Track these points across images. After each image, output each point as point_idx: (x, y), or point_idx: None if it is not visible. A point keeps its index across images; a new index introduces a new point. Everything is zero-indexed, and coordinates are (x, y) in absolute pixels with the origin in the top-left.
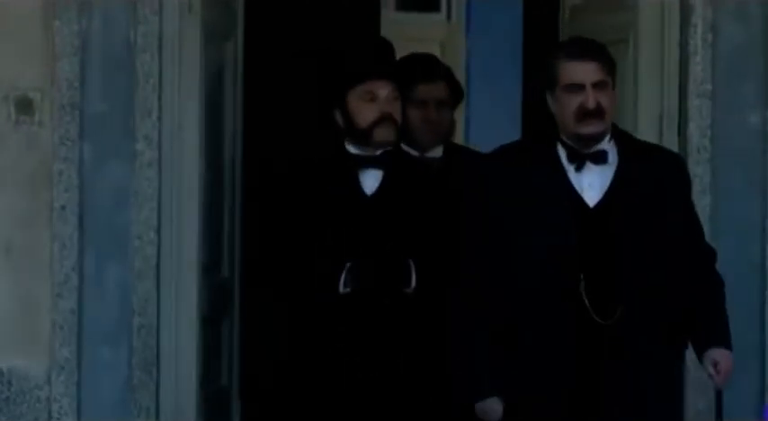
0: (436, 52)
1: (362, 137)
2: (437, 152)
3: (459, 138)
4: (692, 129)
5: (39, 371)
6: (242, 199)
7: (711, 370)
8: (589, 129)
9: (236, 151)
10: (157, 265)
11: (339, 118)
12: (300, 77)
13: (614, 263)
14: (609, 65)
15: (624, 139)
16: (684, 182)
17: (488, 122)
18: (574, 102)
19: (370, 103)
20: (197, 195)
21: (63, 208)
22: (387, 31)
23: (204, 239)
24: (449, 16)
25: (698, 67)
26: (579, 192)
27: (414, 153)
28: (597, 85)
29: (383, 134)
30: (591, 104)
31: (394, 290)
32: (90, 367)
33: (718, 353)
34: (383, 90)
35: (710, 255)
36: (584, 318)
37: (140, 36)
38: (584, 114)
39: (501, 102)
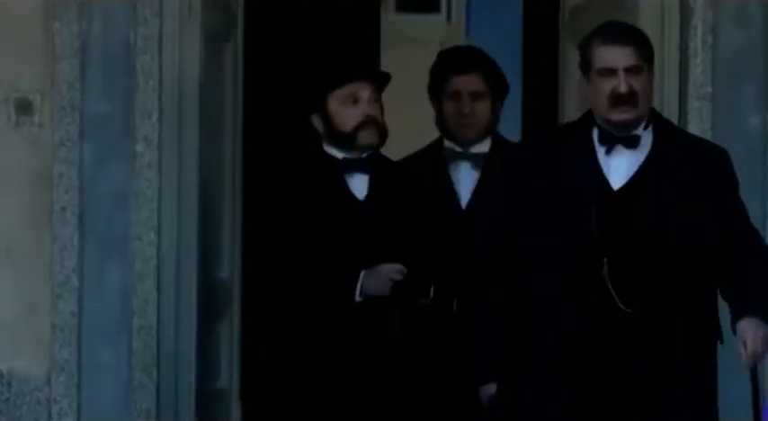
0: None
1: (345, 141)
2: (482, 147)
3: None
4: (692, 130)
5: (39, 372)
6: (242, 200)
7: (741, 349)
8: (621, 115)
9: (236, 152)
10: (157, 267)
11: (318, 122)
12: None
13: (635, 248)
14: (645, 51)
15: (664, 128)
16: (725, 177)
17: None
18: (606, 86)
19: (353, 105)
20: (197, 196)
21: (63, 209)
22: (387, 32)
23: (204, 240)
24: (449, 17)
25: (698, 69)
26: (605, 174)
27: (457, 149)
28: (630, 70)
29: (367, 137)
30: (623, 89)
31: (410, 299)
32: (90, 368)
33: (747, 329)
34: (365, 92)
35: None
36: (606, 305)
37: (140, 37)
38: (617, 99)
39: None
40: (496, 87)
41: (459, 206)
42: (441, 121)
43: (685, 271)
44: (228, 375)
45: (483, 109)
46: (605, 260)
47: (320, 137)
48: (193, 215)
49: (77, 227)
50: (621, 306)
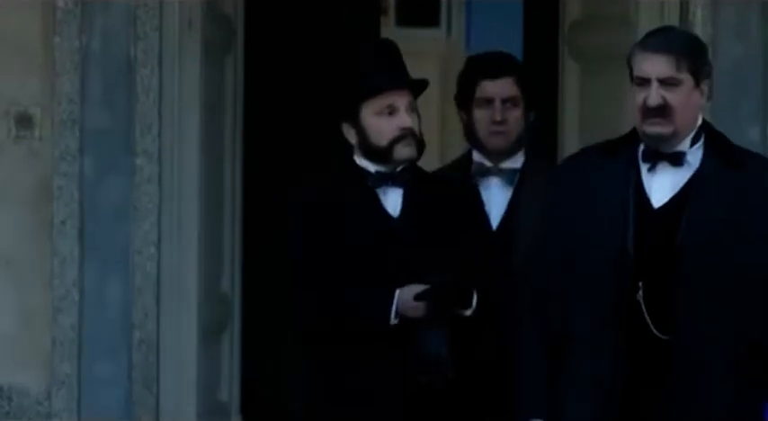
0: (436, 67)
1: (380, 155)
2: (514, 162)
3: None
4: None
5: (39, 386)
6: (242, 213)
7: None
8: (653, 128)
9: (236, 166)
10: (157, 280)
11: (350, 133)
12: (300, 92)
13: (674, 271)
14: (690, 62)
15: (717, 144)
16: None
17: None
18: (640, 97)
19: (389, 117)
20: (197, 210)
21: (63, 223)
22: None
23: (204, 254)
24: (449, 31)
25: None
26: (647, 192)
27: (487, 164)
28: (666, 82)
29: (405, 152)
30: (651, 102)
31: (452, 312)
32: (90, 382)
33: None
34: (402, 102)
35: None
36: (641, 331)
37: (140, 51)
38: (647, 112)
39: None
40: (528, 95)
41: (489, 227)
42: (470, 132)
43: (734, 298)
44: (229, 389)
45: (516, 117)
46: (641, 283)
47: (351, 147)
48: (193, 229)
49: (77, 240)
50: (656, 332)
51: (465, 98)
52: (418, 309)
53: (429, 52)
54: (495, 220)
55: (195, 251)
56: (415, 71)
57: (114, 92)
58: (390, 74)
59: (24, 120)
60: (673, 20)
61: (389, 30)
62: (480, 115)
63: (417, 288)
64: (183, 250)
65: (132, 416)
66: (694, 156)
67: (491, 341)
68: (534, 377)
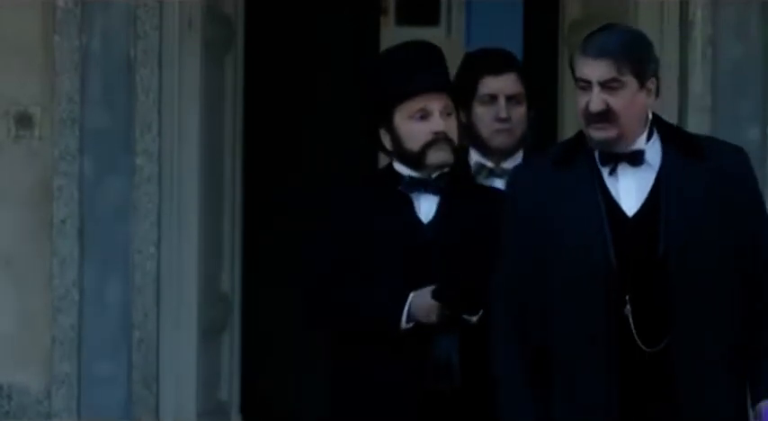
0: None
1: (414, 160)
2: (516, 161)
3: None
4: None
5: (39, 385)
6: (242, 213)
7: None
8: (597, 134)
9: (236, 165)
10: (157, 280)
11: (386, 139)
12: (300, 92)
13: (662, 280)
14: (629, 63)
15: (671, 136)
16: (746, 179)
17: None
18: (582, 101)
19: (422, 121)
20: (197, 209)
21: (63, 222)
22: (387, 45)
23: (204, 253)
24: (448, 31)
25: (697, 81)
26: (616, 199)
27: (488, 165)
28: (607, 85)
29: (438, 157)
30: (594, 107)
31: (460, 320)
32: (90, 382)
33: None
34: (436, 105)
35: None
36: (627, 346)
37: (140, 51)
38: (590, 116)
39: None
40: (530, 93)
41: None
42: (469, 131)
43: (719, 300)
44: (229, 388)
45: (520, 114)
46: (627, 297)
47: (390, 153)
48: (193, 228)
49: (77, 240)
50: (641, 345)
51: (465, 96)
52: (430, 314)
53: None
54: None
55: (195, 251)
56: None
57: (114, 91)
58: (424, 76)
59: (24, 120)
60: (672, 20)
61: (389, 29)
62: (483, 112)
63: (429, 289)
64: (182, 250)
65: (132, 415)
66: (652, 153)
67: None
68: (517, 385)
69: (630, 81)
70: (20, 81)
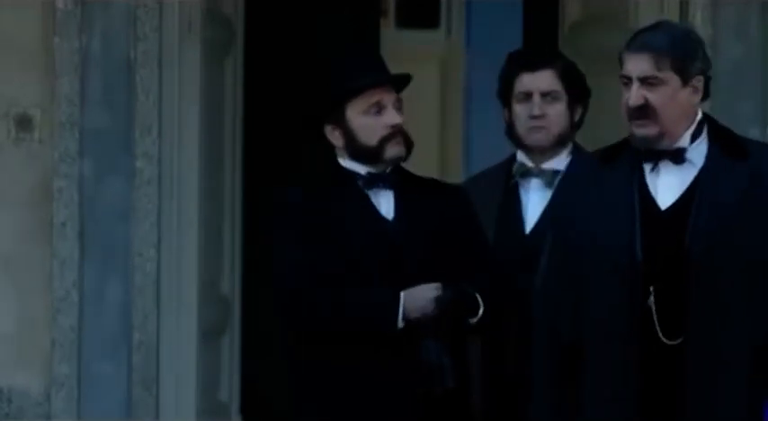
0: (436, 69)
1: (370, 155)
2: (558, 163)
3: (458, 156)
4: None
5: (38, 387)
6: (241, 215)
7: None
8: (639, 130)
9: (237, 167)
10: (157, 281)
11: (336, 135)
12: (300, 93)
13: (684, 275)
14: (671, 59)
15: (719, 136)
16: None
17: (489, 139)
18: (624, 97)
19: (377, 115)
20: (197, 211)
21: (63, 224)
22: (386, 48)
23: (204, 255)
24: (449, 33)
25: None
26: (653, 194)
27: (528, 164)
28: (646, 81)
29: (395, 151)
30: (632, 102)
31: (459, 321)
32: (90, 383)
33: None
34: (389, 98)
35: None
36: (650, 337)
37: (140, 53)
38: (630, 112)
39: (502, 118)
40: (573, 90)
41: (522, 231)
42: (511, 130)
43: (745, 299)
44: (229, 389)
45: (557, 111)
46: (652, 289)
47: (333, 150)
48: (193, 230)
49: (77, 242)
50: (662, 337)
51: (506, 95)
52: (427, 309)
53: (429, 54)
54: (529, 223)
55: (195, 252)
56: (414, 73)
57: (114, 93)
58: (374, 72)
59: (24, 122)
60: (672, 21)
61: (389, 31)
62: (519, 110)
63: (422, 291)
64: (182, 251)
65: (132, 417)
66: (697, 153)
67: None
68: (549, 385)
69: (671, 77)
70: (20, 83)
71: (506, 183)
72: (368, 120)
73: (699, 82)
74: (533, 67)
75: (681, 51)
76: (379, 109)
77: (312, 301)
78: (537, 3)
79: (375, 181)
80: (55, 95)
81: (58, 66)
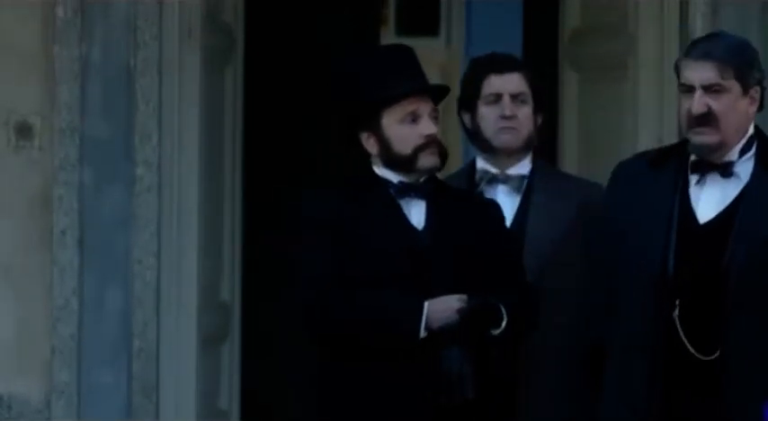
0: (436, 76)
1: (404, 164)
2: (521, 168)
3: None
4: None
5: (38, 395)
6: (241, 222)
7: None
8: (698, 138)
9: (236, 174)
10: (157, 289)
11: (371, 142)
12: (300, 101)
13: (717, 289)
14: (733, 68)
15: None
16: None
17: None
18: (685, 105)
19: (412, 124)
20: (197, 219)
21: (63, 232)
22: None
23: (204, 262)
24: (448, 40)
25: None
26: (694, 206)
27: (493, 171)
28: (710, 89)
29: (429, 161)
30: (696, 109)
31: (482, 331)
32: (89, 391)
33: None
34: (425, 108)
35: None
36: (677, 351)
37: (140, 61)
38: (692, 120)
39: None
40: (537, 96)
41: (516, 243)
42: (475, 134)
43: None
44: (228, 396)
45: (525, 114)
46: (677, 301)
47: (368, 158)
48: (193, 238)
49: (77, 249)
50: (694, 352)
51: (470, 97)
52: (448, 321)
53: (429, 61)
54: None
55: (195, 260)
56: None
57: (114, 101)
58: (412, 79)
59: (24, 130)
60: (672, 25)
61: (389, 39)
62: (488, 112)
63: (446, 301)
64: (182, 259)
65: None
66: (744, 168)
67: (513, 359)
68: (574, 388)
69: (733, 86)
70: (20, 90)
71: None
72: (403, 128)
73: (756, 93)
74: (501, 69)
75: (742, 60)
76: (414, 118)
77: (334, 303)
78: (537, 10)
79: (407, 190)
80: (55, 103)
81: (58, 73)
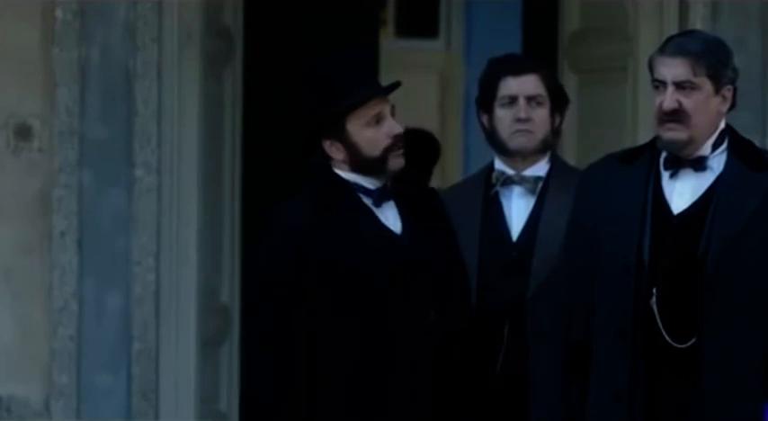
0: (435, 79)
1: (374, 167)
2: (538, 169)
3: (457, 168)
4: None
5: (38, 397)
6: (241, 225)
7: None
8: (668, 134)
9: (236, 177)
10: (157, 291)
11: (334, 149)
12: (299, 104)
13: (692, 278)
14: (706, 66)
15: (740, 148)
16: None
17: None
18: (656, 101)
19: (377, 126)
20: (196, 221)
21: (62, 234)
22: (386, 58)
23: (203, 265)
24: (448, 43)
25: None
26: (667, 198)
27: (509, 172)
28: (681, 86)
29: (398, 162)
30: (666, 105)
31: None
32: (89, 394)
33: None
34: (386, 108)
35: None
36: (656, 339)
37: (139, 63)
38: (662, 116)
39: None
40: (555, 97)
41: (509, 238)
42: (492, 136)
43: (755, 306)
44: (228, 399)
45: (541, 116)
46: (654, 290)
47: (330, 164)
48: (192, 240)
49: (77, 252)
50: (669, 340)
51: (487, 101)
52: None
53: (428, 63)
54: (515, 230)
55: (194, 262)
56: (414, 82)
57: (113, 103)
58: (368, 83)
59: (23, 132)
60: (672, 31)
61: (389, 41)
62: (503, 114)
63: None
64: (182, 261)
65: None
66: (717, 161)
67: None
68: (551, 390)
69: (705, 83)
70: (19, 93)
71: (486, 192)
72: (369, 131)
73: (728, 91)
74: (518, 71)
75: (715, 58)
76: (378, 119)
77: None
78: (536, 12)
79: (385, 195)
80: (54, 105)
81: (57, 76)
